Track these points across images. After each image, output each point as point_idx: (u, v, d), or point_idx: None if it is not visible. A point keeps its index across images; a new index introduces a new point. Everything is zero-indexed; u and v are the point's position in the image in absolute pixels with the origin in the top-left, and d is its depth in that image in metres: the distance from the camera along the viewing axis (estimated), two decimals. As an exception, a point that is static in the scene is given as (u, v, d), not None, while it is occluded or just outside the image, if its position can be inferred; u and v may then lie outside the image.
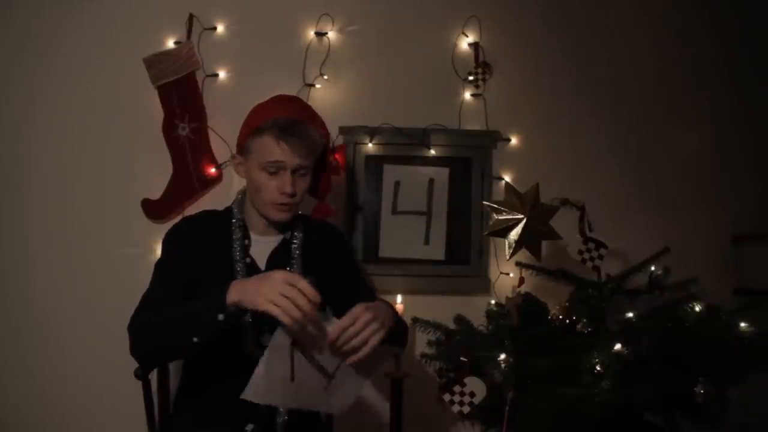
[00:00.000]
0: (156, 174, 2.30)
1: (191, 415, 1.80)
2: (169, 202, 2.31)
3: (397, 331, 1.69)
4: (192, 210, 2.28)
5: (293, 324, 1.44)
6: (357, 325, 1.51)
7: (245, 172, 1.81)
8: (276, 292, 1.43)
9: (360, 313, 1.52)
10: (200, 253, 1.79)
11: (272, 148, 1.72)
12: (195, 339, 1.54)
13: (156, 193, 2.31)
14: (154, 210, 2.31)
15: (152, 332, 1.60)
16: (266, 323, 1.71)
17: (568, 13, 2.47)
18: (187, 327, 1.54)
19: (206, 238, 1.82)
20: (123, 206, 2.31)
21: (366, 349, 1.52)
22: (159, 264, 1.81)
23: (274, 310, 1.43)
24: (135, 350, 1.64)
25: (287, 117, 1.73)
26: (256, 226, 1.86)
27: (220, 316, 1.49)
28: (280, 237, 1.87)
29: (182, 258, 1.77)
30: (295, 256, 1.85)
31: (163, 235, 1.87)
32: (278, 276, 1.47)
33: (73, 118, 2.31)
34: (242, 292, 1.48)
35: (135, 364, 1.85)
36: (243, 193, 1.90)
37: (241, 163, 1.81)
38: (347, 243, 2.05)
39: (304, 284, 1.45)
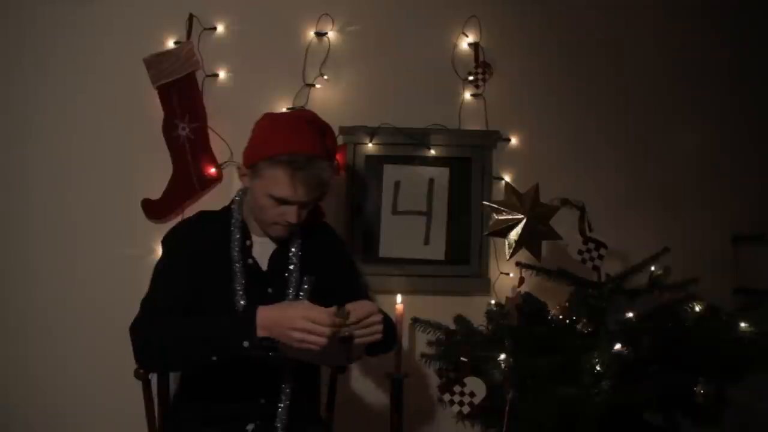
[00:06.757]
0: (156, 174, 2.30)
1: (191, 415, 1.80)
2: (169, 202, 2.31)
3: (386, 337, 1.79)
4: (192, 210, 2.28)
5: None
6: (371, 319, 1.64)
7: (250, 185, 1.79)
8: (294, 327, 1.53)
9: (374, 311, 1.65)
10: (201, 258, 1.79)
11: (284, 186, 1.70)
12: (214, 358, 1.58)
13: (156, 193, 2.31)
14: (154, 210, 2.31)
15: (170, 342, 1.61)
16: None
17: (568, 14, 2.47)
18: (210, 345, 1.58)
19: (206, 241, 1.82)
20: (123, 206, 2.31)
21: (363, 340, 1.64)
22: (159, 270, 1.81)
23: (296, 345, 1.54)
24: (144, 356, 1.66)
25: (304, 153, 1.70)
26: (256, 227, 1.86)
27: (246, 343, 1.55)
28: None
29: (183, 264, 1.77)
30: (295, 258, 1.86)
31: (162, 235, 1.87)
32: (297, 312, 1.55)
33: (73, 118, 2.31)
34: (269, 329, 1.55)
35: (135, 365, 1.85)
36: (243, 192, 1.89)
37: (246, 175, 1.79)
38: (344, 245, 2.09)
39: (319, 316, 1.54)
